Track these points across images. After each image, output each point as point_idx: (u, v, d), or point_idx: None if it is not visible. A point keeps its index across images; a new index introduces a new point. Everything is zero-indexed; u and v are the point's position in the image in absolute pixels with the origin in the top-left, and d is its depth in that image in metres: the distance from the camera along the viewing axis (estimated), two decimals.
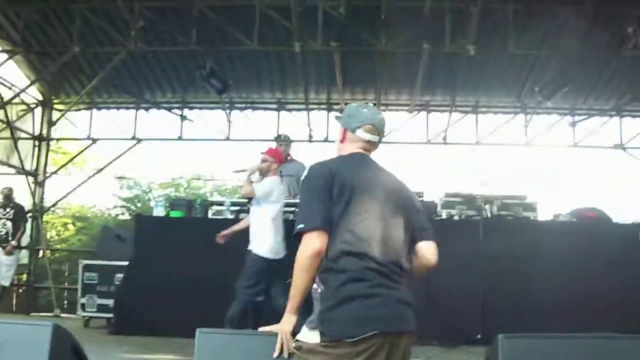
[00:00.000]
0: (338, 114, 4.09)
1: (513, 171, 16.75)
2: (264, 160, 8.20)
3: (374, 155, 3.89)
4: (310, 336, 3.36)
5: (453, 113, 14.33)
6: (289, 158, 10.12)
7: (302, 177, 3.68)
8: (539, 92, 12.39)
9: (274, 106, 15.08)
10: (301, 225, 3.46)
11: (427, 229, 3.77)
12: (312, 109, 14.77)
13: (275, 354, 3.47)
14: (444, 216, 9.15)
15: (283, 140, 10.15)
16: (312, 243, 3.42)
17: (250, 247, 7.98)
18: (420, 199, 9.22)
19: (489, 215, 9.14)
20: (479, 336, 7.80)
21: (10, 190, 12.53)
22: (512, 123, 14.76)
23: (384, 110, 14.44)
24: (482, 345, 6.89)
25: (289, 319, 3.50)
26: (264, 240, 7.89)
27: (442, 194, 9.40)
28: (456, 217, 9.11)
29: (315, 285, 3.46)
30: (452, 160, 18.10)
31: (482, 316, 8.22)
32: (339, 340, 3.25)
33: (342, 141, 3.94)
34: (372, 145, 3.89)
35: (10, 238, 12.02)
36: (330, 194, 3.50)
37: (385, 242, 3.49)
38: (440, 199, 9.32)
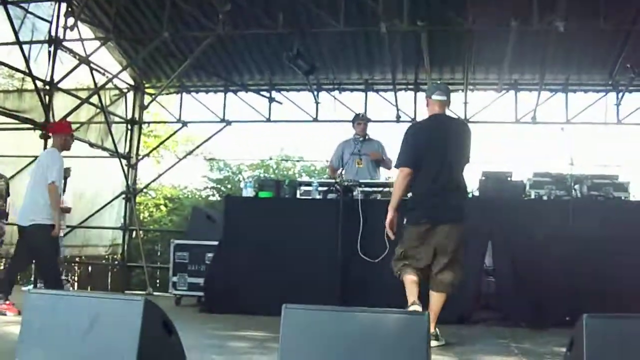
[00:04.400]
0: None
1: (604, 150, 16.44)
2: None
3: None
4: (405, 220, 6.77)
5: (542, 92, 14.10)
6: (367, 137, 10.39)
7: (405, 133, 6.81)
8: (631, 69, 12.09)
9: (361, 87, 15.07)
10: (396, 164, 6.82)
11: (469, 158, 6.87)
12: (400, 90, 14.72)
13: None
14: (532, 196, 9.01)
15: (362, 119, 10.42)
16: (402, 174, 6.68)
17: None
18: (508, 178, 9.19)
19: (579, 195, 8.95)
20: (567, 318, 7.69)
21: None
22: (603, 101, 14.42)
23: (471, 90, 14.39)
24: (571, 328, 6.82)
25: (390, 214, 6.72)
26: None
27: (530, 174, 9.27)
28: (545, 197, 8.96)
29: None
30: (541, 140, 17.85)
31: (571, 298, 8.06)
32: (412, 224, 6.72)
33: (427, 105, 6.97)
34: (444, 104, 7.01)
35: None
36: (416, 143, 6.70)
37: (441, 171, 6.58)
38: (528, 179, 9.17)
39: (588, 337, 3.35)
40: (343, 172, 9.69)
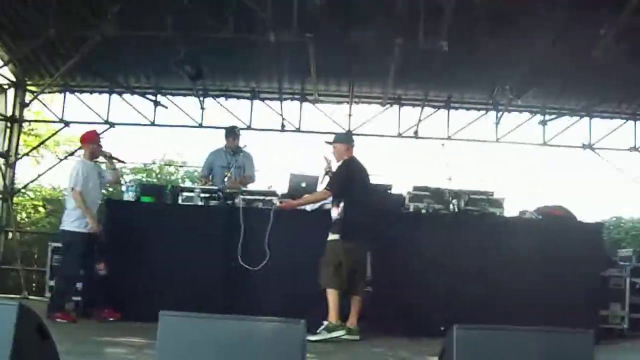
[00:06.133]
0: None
1: (482, 167, 16.91)
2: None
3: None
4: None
5: (425, 108, 14.45)
6: (238, 149, 10.40)
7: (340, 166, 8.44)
8: (509, 90, 12.52)
9: (248, 95, 15.10)
10: (328, 187, 8.40)
11: None
12: (286, 99, 14.83)
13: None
14: (411, 209, 9.23)
15: (236, 134, 10.51)
16: (325, 195, 8.44)
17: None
18: (389, 191, 9.41)
19: (456, 209, 9.22)
20: (442, 328, 7.88)
21: None
22: (483, 120, 14.91)
23: (356, 103, 14.58)
24: (445, 338, 6.98)
25: (293, 205, 8.83)
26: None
27: (410, 188, 9.49)
28: (423, 211, 9.19)
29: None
30: (422, 155, 18.24)
31: (446, 310, 8.33)
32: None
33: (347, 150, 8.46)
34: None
35: None
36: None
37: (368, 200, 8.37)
38: (408, 192, 9.40)
39: (458, 347, 3.45)
40: (226, 180, 9.69)
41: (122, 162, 10.21)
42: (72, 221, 8.88)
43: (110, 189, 18.21)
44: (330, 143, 8.52)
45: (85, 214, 8.79)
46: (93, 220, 8.80)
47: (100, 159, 9.86)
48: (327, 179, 8.63)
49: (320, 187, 8.92)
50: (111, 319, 8.60)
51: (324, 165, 8.79)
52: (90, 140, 9.49)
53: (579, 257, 8.81)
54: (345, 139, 8.73)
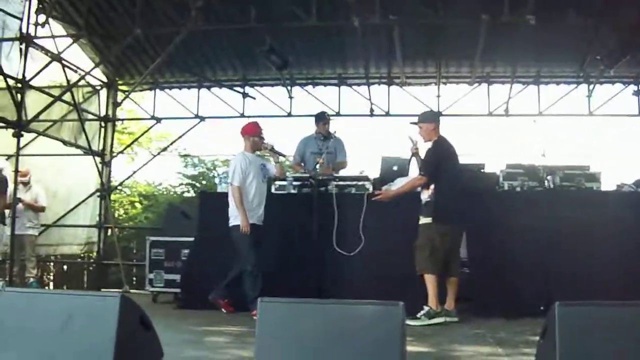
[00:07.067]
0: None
1: (576, 142, 16.54)
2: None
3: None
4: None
5: (514, 84, 14.20)
6: (329, 135, 10.26)
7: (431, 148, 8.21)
8: (600, 61, 12.19)
9: (335, 81, 15.10)
10: (422, 172, 8.12)
11: None
12: (373, 84, 14.77)
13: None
14: (505, 188, 9.09)
15: (327, 119, 10.39)
16: (419, 181, 8.05)
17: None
18: (482, 170, 9.28)
19: (552, 186, 9.03)
20: (541, 308, 7.75)
21: None
22: (575, 93, 14.55)
23: (444, 83, 14.42)
24: (545, 317, 6.86)
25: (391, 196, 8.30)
26: None
27: (503, 166, 9.34)
28: (518, 189, 9.04)
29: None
30: (513, 132, 17.94)
31: (546, 288, 8.18)
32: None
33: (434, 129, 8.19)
34: None
35: None
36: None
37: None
38: (501, 171, 9.24)
39: (560, 325, 3.39)
40: (318, 166, 9.69)
41: (284, 155, 9.92)
42: (236, 216, 8.58)
43: (204, 182, 18.48)
44: (415, 123, 8.36)
45: (238, 209, 8.53)
46: (244, 218, 8.46)
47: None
48: (414, 160, 8.49)
49: (410, 170, 8.85)
50: (223, 311, 8.61)
51: (410, 147, 8.58)
52: (252, 133, 9.14)
53: None
54: (431, 118, 8.43)
